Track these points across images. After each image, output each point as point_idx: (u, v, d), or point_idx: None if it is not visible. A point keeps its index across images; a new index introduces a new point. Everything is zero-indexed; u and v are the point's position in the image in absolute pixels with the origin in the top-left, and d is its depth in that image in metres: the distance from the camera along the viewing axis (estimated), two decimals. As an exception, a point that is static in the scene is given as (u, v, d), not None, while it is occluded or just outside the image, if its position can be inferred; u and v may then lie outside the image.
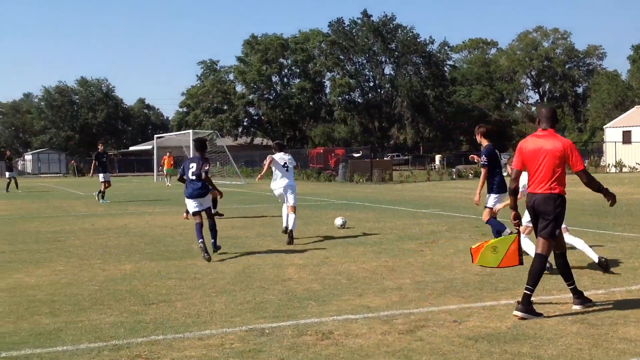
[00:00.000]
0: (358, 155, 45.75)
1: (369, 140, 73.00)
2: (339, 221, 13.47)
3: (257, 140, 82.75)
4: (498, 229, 9.17)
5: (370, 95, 77.87)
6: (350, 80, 72.89)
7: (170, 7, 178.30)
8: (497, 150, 9.52)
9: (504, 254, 6.42)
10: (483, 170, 9.43)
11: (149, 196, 26.16)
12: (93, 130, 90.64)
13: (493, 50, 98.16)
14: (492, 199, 9.43)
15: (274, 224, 14.40)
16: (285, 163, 11.68)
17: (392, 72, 76.69)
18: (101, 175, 22.02)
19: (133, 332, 5.75)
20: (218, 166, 47.32)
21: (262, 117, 78.66)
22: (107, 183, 22.23)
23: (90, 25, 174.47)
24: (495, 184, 9.39)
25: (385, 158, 57.11)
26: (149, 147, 68.79)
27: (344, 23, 75.02)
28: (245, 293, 7.28)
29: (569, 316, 6.04)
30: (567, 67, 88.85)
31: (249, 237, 12.29)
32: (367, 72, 77.64)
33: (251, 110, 77.91)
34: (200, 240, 9.59)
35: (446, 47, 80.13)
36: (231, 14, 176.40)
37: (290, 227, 11.34)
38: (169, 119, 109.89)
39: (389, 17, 74.25)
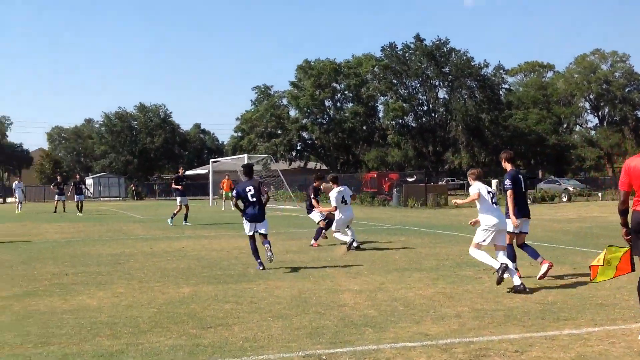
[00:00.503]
0: (412, 179, 45.47)
1: (422, 165, 72.44)
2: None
3: (311, 164, 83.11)
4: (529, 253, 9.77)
5: (424, 119, 77.40)
6: (404, 104, 72.61)
7: (225, 34, 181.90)
8: (520, 175, 9.91)
9: (616, 264, 6.50)
10: (509, 193, 9.61)
11: (205, 220, 26.50)
12: (151, 155, 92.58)
13: (550, 74, 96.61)
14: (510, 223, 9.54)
15: (329, 249, 14.39)
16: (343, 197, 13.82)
17: (446, 96, 76.13)
18: (179, 198, 22.87)
19: (192, 356, 5.81)
20: (272, 190, 47.70)
21: (316, 142, 79.00)
22: (185, 207, 22.89)
23: (149, 53, 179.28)
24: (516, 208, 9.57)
25: (439, 182, 56.61)
26: (205, 171, 69.86)
27: (397, 47, 75.06)
28: (301, 318, 7.28)
29: (635, 346, 5.84)
30: (626, 90, 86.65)
31: (304, 261, 12.30)
32: (421, 96, 77.26)
33: (304, 134, 78.31)
34: (258, 261, 11.04)
35: (501, 71, 79.22)
36: (285, 40, 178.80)
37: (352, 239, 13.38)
38: (224, 143, 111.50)
39: (442, 41, 73.96)
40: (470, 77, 74.08)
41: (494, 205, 9.26)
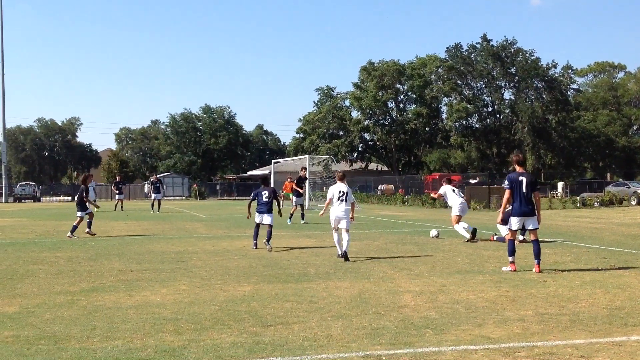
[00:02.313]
0: (475, 181, 44.81)
1: (486, 167, 71.37)
2: (433, 232, 17.30)
3: (372, 166, 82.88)
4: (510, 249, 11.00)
5: (488, 120, 76.18)
6: (468, 106, 71.60)
7: (289, 36, 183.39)
8: (522, 177, 10.87)
9: None
10: (506, 192, 11.22)
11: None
12: (214, 155, 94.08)
13: (621, 74, 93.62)
14: (511, 221, 11.02)
15: (388, 250, 14.31)
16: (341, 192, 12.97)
17: (512, 97, 74.75)
18: (295, 198, 24.07)
19: (252, 353, 5.85)
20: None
21: (377, 143, 78.77)
22: (300, 206, 23.96)
23: (214, 56, 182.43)
24: (514, 208, 11.00)
25: (503, 185, 55.55)
26: (266, 171, 70.56)
27: (462, 48, 74.13)
28: (361, 318, 7.24)
29: None
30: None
31: (363, 262, 12.25)
32: (486, 97, 76.07)
33: (366, 135, 78.16)
34: (255, 242, 14.62)
35: (569, 71, 77.34)
36: (349, 42, 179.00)
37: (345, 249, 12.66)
38: (286, 144, 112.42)
39: (509, 41, 72.65)
40: (537, 78, 72.52)
41: (459, 197, 16.84)
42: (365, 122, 75.21)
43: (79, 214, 18.67)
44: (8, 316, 7.50)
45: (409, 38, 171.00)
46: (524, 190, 10.82)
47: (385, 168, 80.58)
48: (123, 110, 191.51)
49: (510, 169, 12.78)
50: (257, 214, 14.67)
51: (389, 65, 74.37)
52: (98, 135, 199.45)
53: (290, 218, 23.29)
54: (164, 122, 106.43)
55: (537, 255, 10.79)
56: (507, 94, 75.69)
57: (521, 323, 6.94)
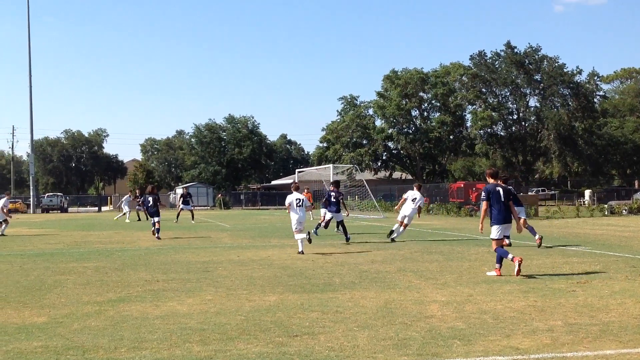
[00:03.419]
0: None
1: (512, 175, 70.74)
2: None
3: (396, 175, 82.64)
4: (501, 255, 11.42)
5: (513, 128, 75.65)
6: (493, 113, 71.15)
7: (311, 46, 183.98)
8: (498, 188, 11.51)
9: None
10: (483, 204, 11.71)
11: (289, 229, 26.69)
12: (239, 165, 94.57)
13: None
14: (494, 230, 11.62)
15: (414, 259, 14.23)
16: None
17: (537, 104, 74.16)
18: (324, 209, 23.44)
19: (278, 364, 5.83)
20: (357, 200, 47.64)
21: (401, 151, 78.56)
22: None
23: (238, 66, 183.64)
24: (493, 217, 11.58)
25: (529, 193, 55.05)
26: (290, 181, 70.66)
27: (486, 55, 73.77)
28: (387, 329, 7.19)
29: None
30: None
31: (389, 271, 12.19)
32: (511, 105, 75.57)
33: (390, 144, 78.03)
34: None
35: (595, 77, 76.51)
36: (372, 50, 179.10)
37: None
38: (310, 153, 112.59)
39: (533, 48, 72.13)
40: (563, 85, 71.89)
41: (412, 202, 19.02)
42: (389, 131, 75.09)
43: (156, 218, 21.56)
44: (37, 326, 7.58)
45: (432, 47, 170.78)
46: (503, 199, 11.51)
47: (409, 176, 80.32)
48: (148, 121, 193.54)
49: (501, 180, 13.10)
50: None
51: (412, 74, 74.24)
52: (124, 146, 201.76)
53: (316, 229, 23.11)
54: (188, 133, 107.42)
55: (500, 260, 11.53)
56: (532, 101, 75.16)
57: (550, 333, 6.85)
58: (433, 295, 9.36)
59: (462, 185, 46.66)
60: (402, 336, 6.81)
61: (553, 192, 74.19)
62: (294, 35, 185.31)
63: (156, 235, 21.27)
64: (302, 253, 15.49)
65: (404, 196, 19.54)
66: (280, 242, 19.60)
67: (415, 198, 19.15)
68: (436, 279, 11.09)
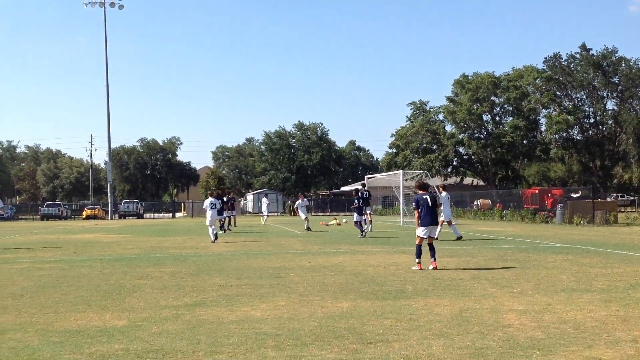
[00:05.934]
0: (577, 195, 43.12)
1: (589, 180, 68.60)
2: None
3: (467, 180, 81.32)
4: (418, 252, 13.65)
5: (590, 132, 73.30)
6: (568, 117, 69.10)
7: (380, 51, 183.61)
8: (425, 197, 13.78)
9: None
10: (415, 212, 14.02)
11: (357, 237, 26.65)
12: (308, 172, 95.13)
13: None
14: (420, 230, 13.68)
15: (488, 267, 13.95)
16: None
17: (615, 107, 71.63)
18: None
19: (353, 371, 5.80)
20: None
21: (472, 157, 77.25)
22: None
23: (307, 74, 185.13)
24: (422, 220, 13.65)
25: (608, 199, 53.22)
26: (359, 186, 70.51)
27: (561, 58, 71.83)
28: (463, 337, 7.06)
29: None
30: None
31: (463, 279, 11.99)
32: (587, 108, 73.25)
33: (461, 149, 76.82)
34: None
35: (677, 78, 73.31)
36: (442, 55, 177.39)
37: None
38: (379, 159, 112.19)
39: (610, 50, 69.81)
40: (641, 87, 69.21)
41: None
42: (460, 136, 73.96)
43: (223, 215, 26.45)
44: (118, 329, 7.80)
45: (503, 50, 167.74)
46: (430, 205, 13.71)
47: (481, 182, 78.88)
48: (219, 128, 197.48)
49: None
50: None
51: (484, 78, 72.94)
52: (197, 154, 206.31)
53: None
54: (258, 140, 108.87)
55: (434, 254, 13.66)
56: (610, 104, 72.65)
57: (634, 344, 6.58)
58: (509, 304, 9.14)
59: (536, 191, 45.49)
60: (478, 345, 6.67)
61: (632, 197, 71.50)
62: (362, 41, 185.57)
63: (221, 232, 24.79)
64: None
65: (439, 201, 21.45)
66: (351, 249, 19.57)
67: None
68: (512, 287, 10.83)
